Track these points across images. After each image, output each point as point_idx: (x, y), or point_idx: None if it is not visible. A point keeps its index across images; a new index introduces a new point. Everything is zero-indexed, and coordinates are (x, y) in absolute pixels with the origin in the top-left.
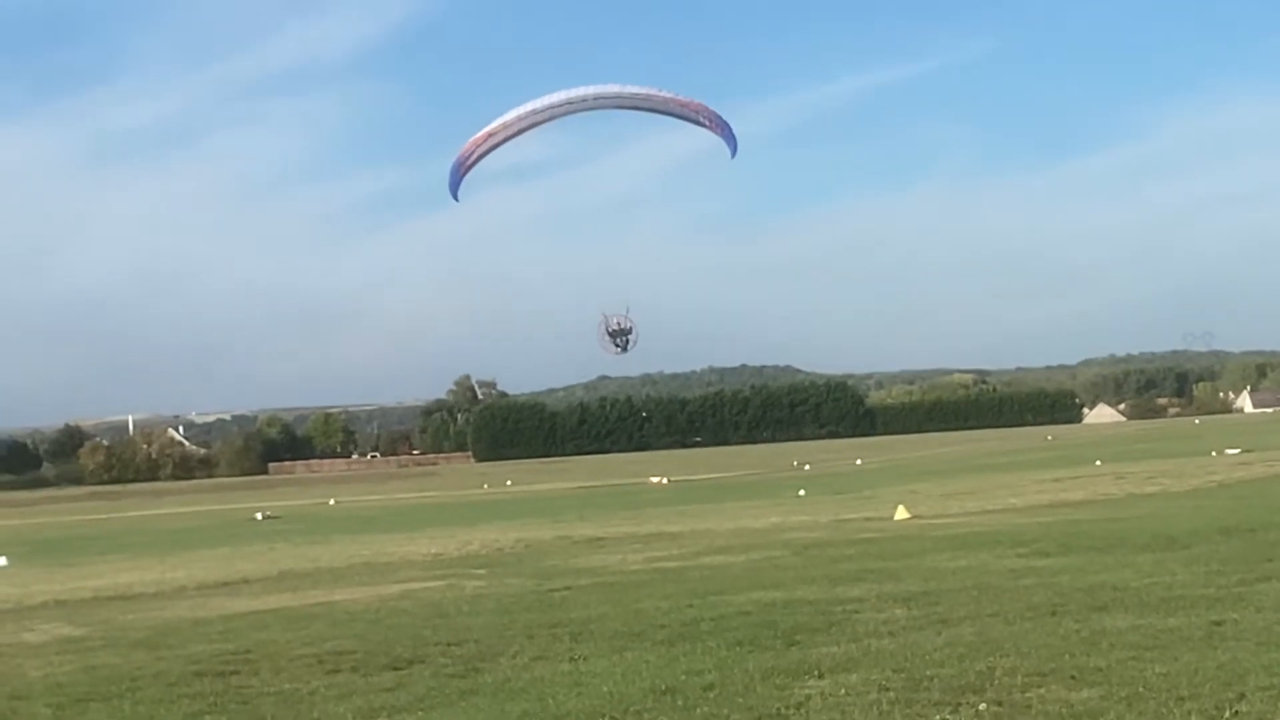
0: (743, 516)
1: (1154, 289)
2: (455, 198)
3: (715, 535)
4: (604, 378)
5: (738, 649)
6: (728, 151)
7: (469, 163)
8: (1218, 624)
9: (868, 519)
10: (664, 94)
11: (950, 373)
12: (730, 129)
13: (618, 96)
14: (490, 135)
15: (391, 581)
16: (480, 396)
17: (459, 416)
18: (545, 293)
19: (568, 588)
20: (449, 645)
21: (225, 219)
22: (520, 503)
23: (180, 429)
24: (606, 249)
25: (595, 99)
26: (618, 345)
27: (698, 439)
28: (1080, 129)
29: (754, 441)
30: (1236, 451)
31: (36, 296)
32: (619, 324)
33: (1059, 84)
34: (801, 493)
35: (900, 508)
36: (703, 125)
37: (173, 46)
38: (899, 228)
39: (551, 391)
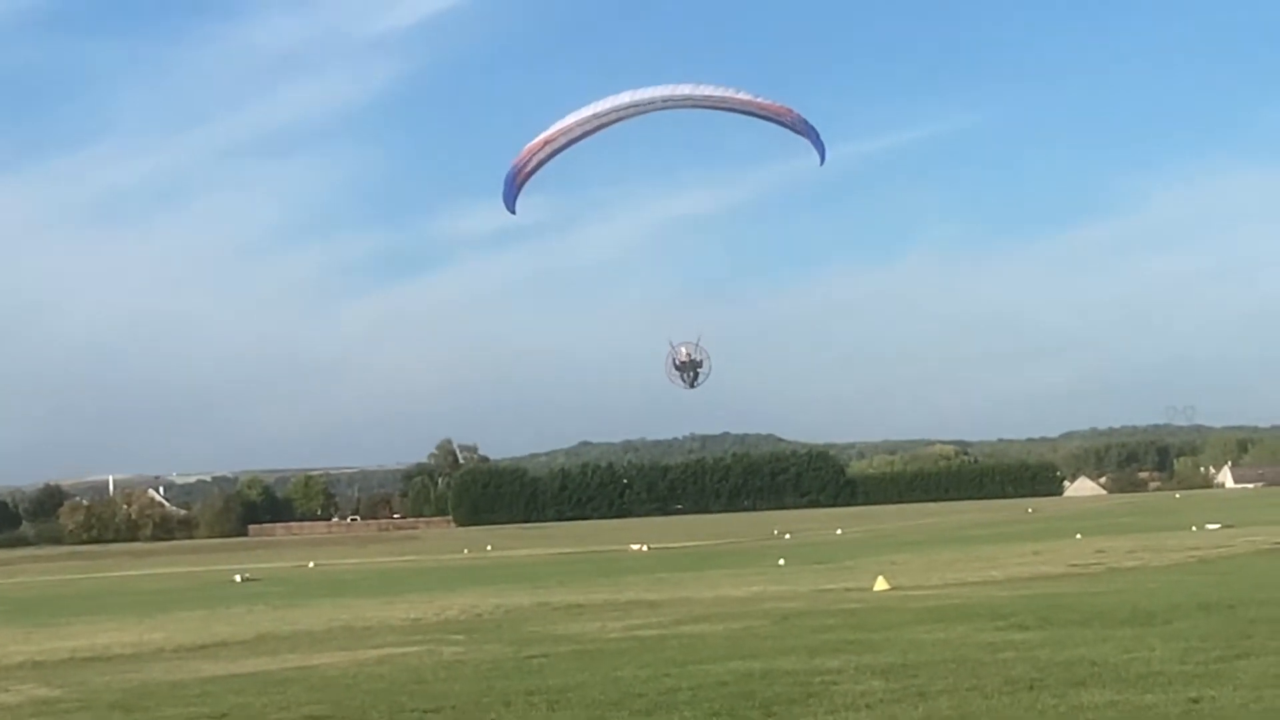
0: (722, 585)
1: (1137, 362)
2: (511, 210)
3: (695, 604)
4: (586, 443)
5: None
6: (816, 158)
7: (526, 170)
8: (1195, 701)
9: (847, 589)
10: (743, 95)
11: (932, 443)
12: (817, 134)
13: (689, 98)
14: (548, 142)
15: (369, 646)
16: (462, 461)
17: (440, 481)
18: (528, 357)
19: (546, 655)
20: (426, 712)
21: (209, 280)
22: (500, 568)
23: (161, 490)
24: (590, 314)
25: (665, 100)
26: (685, 379)
27: (679, 506)
28: (1067, 202)
29: (735, 510)
30: (1217, 527)
31: (18, 355)
32: (688, 355)
33: (1047, 156)
34: (781, 562)
35: (880, 578)
36: (786, 127)
37: (161, 107)
38: (884, 297)
39: (534, 457)
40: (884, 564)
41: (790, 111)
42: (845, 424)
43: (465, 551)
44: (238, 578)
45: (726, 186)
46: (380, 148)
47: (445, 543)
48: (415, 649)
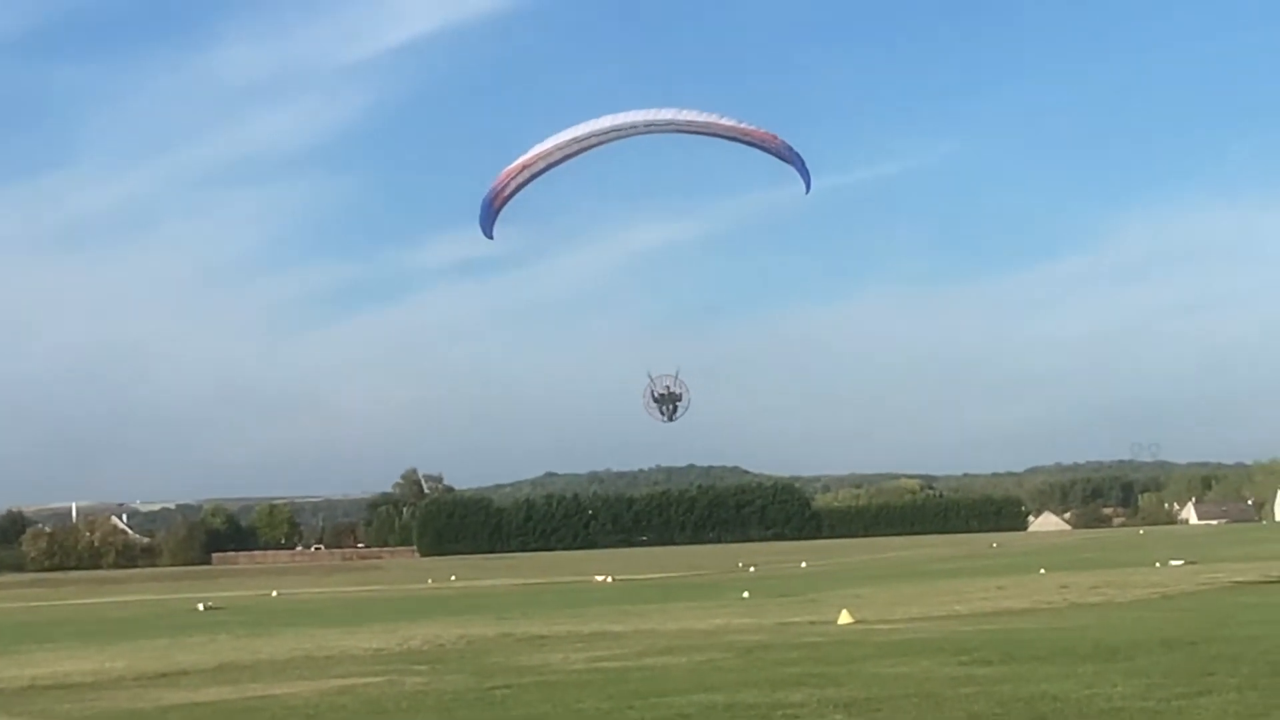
0: (686, 617)
1: (1102, 398)
2: (488, 235)
3: (658, 636)
4: (551, 474)
5: None
6: (801, 186)
7: (504, 195)
8: None
9: (811, 622)
10: (726, 120)
11: (897, 477)
12: (803, 161)
13: (671, 123)
14: (525, 167)
15: (332, 676)
16: (427, 490)
17: (405, 510)
18: (495, 389)
19: (509, 686)
20: None
21: (177, 307)
22: (464, 598)
23: (124, 517)
24: (556, 346)
25: (647, 125)
26: (664, 412)
27: (644, 538)
28: (1033, 237)
29: (700, 542)
30: (1180, 563)
31: None
32: (667, 388)
33: (1014, 192)
34: (746, 594)
35: (844, 612)
36: (771, 154)
37: (129, 134)
38: (851, 331)
39: (499, 487)
40: (848, 597)
41: (775, 138)
42: (811, 457)
43: (429, 581)
44: (200, 606)
45: (693, 219)
46: (349, 178)
47: (409, 572)
48: (377, 679)
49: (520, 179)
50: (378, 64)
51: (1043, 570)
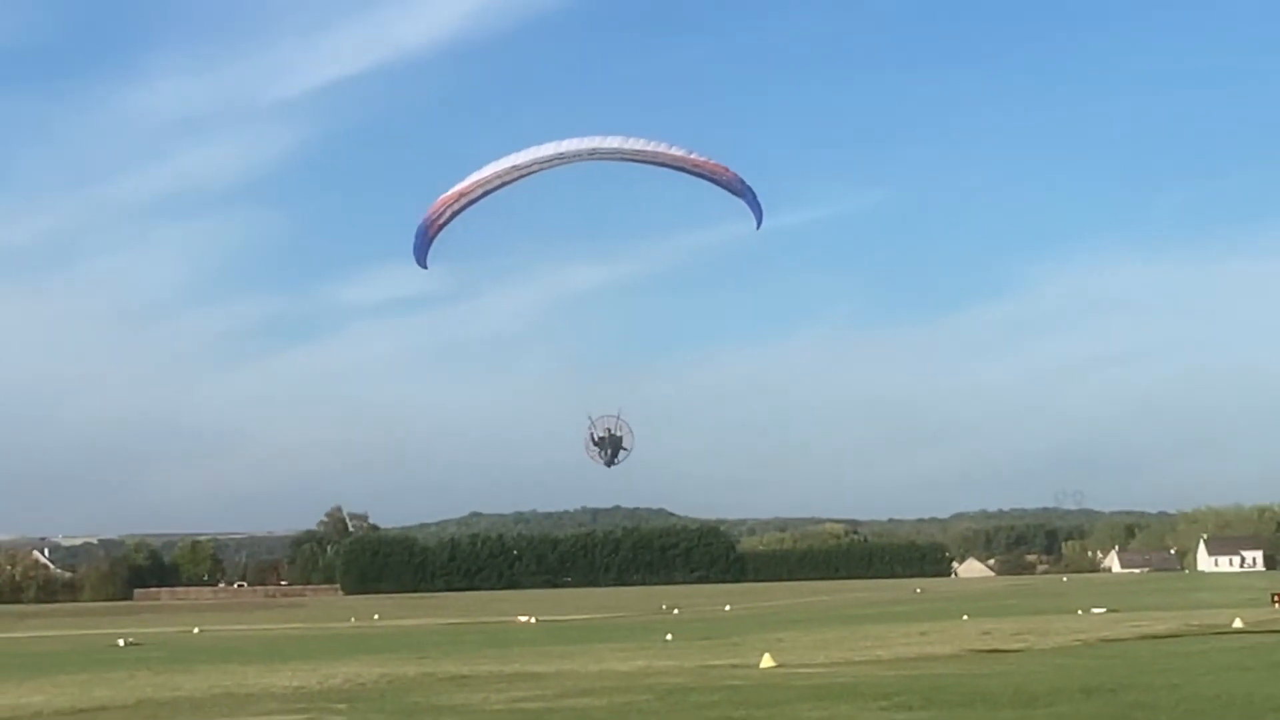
0: (609, 659)
1: (1027, 446)
2: (422, 264)
3: (580, 677)
4: (477, 514)
5: None
6: (753, 220)
7: (439, 224)
8: None
9: (734, 666)
10: (676, 150)
11: (822, 521)
12: (754, 195)
13: (618, 152)
14: (463, 194)
15: (251, 714)
16: (351, 528)
17: (329, 548)
18: (420, 427)
19: None
20: None
21: (102, 340)
22: (386, 637)
23: (46, 551)
24: (483, 385)
25: (592, 153)
26: (604, 456)
27: (568, 579)
28: (962, 285)
29: (624, 583)
30: (1102, 611)
31: None
32: (608, 430)
33: (943, 239)
34: (669, 637)
35: (766, 655)
36: (721, 187)
37: (57, 166)
38: (778, 375)
39: (424, 526)
40: (771, 641)
41: (727, 170)
42: (736, 500)
43: (352, 620)
44: (121, 641)
45: (624, 261)
46: (277, 213)
47: (332, 610)
48: (297, 717)
49: (456, 206)
50: (307, 101)
51: (966, 616)
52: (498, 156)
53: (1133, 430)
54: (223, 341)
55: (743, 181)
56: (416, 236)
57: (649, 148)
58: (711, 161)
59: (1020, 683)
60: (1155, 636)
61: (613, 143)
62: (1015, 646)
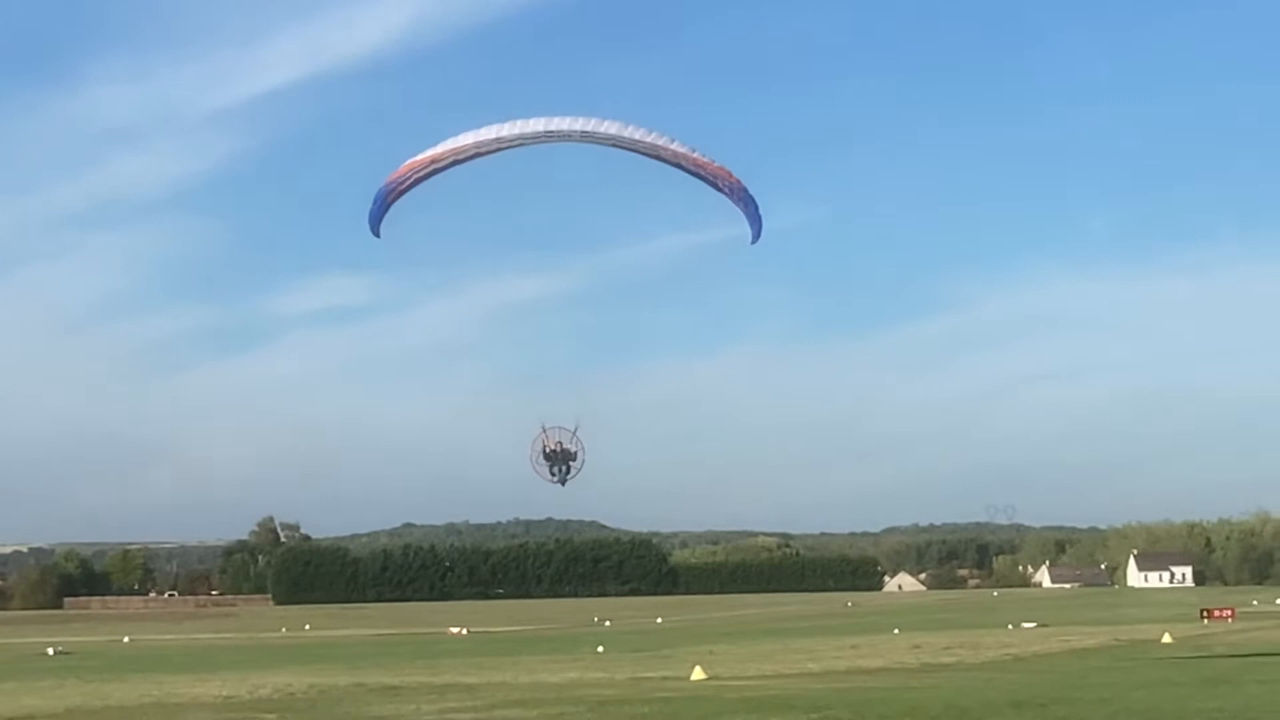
0: (540, 671)
1: (960, 461)
2: (375, 232)
3: (511, 688)
4: (409, 525)
5: None
6: (748, 234)
7: (401, 188)
8: None
9: (664, 678)
10: (678, 146)
11: (755, 535)
12: (756, 205)
13: (613, 139)
14: (434, 161)
15: None
16: (283, 539)
17: (260, 558)
18: (353, 437)
19: None
20: None
21: (34, 348)
22: (317, 647)
23: None
24: (417, 397)
25: (584, 135)
26: (554, 474)
27: (500, 591)
28: (897, 302)
29: (556, 595)
30: (1033, 625)
31: None
32: (559, 444)
33: (879, 255)
34: (600, 649)
35: (697, 668)
36: (719, 191)
37: None
38: (712, 388)
39: (355, 536)
40: (702, 653)
41: (730, 174)
42: (669, 513)
43: (283, 630)
44: (50, 650)
45: (559, 274)
46: (211, 223)
47: (263, 620)
48: None
49: (423, 173)
50: (243, 110)
51: (897, 630)
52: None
53: (1064, 446)
54: (157, 351)
55: (746, 190)
56: (375, 201)
57: (648, 139)
58: (714, 163)
59: (950, 697)
60: (1085, 651)
61: (609, 128)
62: (946, 661)
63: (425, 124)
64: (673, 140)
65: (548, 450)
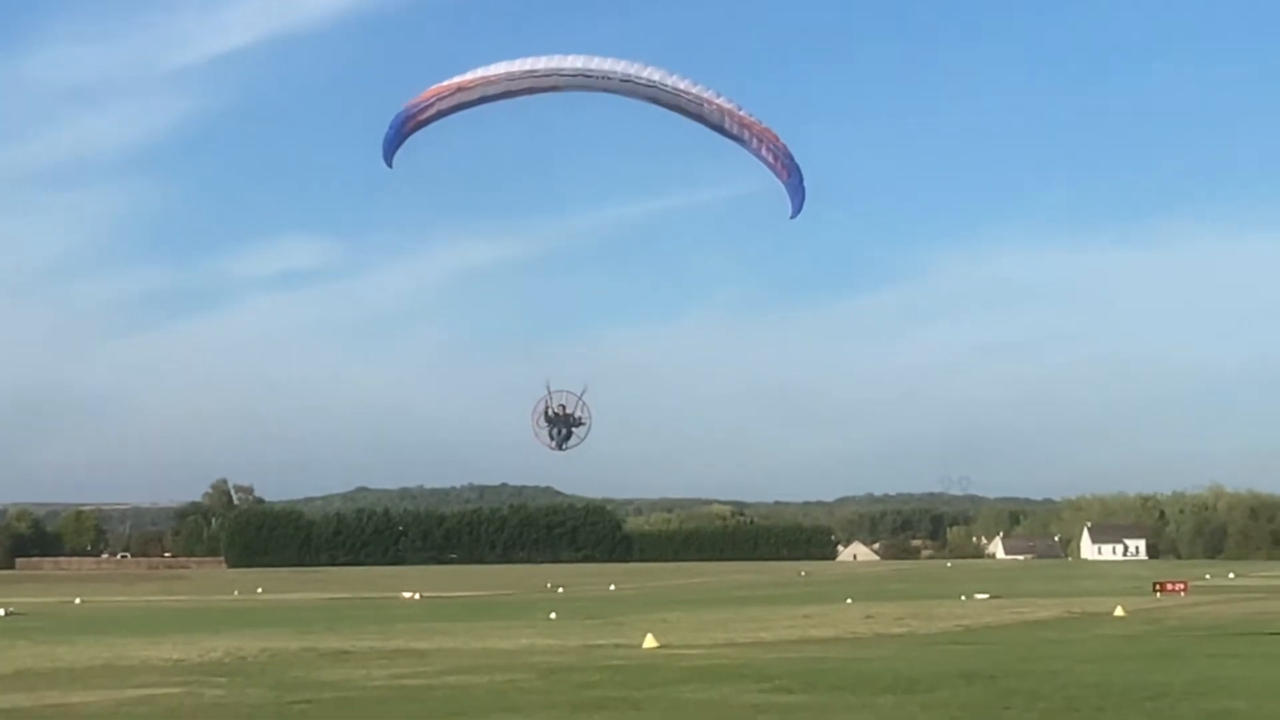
0: (492, 637)
1: (915, 431)
2: (388, 162)
3: (462, 654)
4: (363, 489)
5: None
6: (788, 207)
7: (421, 118)
8: None
9: (617, 645)
10: (724, 101)
11: (709, 503)
12: (801, 175)
13: (655, 86)
14: (461, 89)
15: (131, 686)
16: (236, 501)
17: (214, 520)
18: (308, 401)
19: (308, 701)
20: None
21: None
22: (269, 611)
23: None
24: (372, 360)
25: (624, 80)
26: (554, 437)
27: (453, 556)
28: (852, 271)
29: (510, 561)
30: (985, 597)
31: None
32: (562, 408)
33: (835, 224)
34: (553, 616)
35: (649, 636)
36: (760, 156)
37: None
38: (667, 356)
39: (309, 500)
40: (655, 622)
41: (776, 137)
42: (623, 480)
43: (235, 593)
44: (1, 611)
45: (515, 238)
46: (169, 184)
47: (216, 583)
48: (176, 690)
49: (447, 104)
50: (201, 71)
51: (849, 600)
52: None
53: (1019, 417)
54: (111, 311)
55: (791, 156)
56: (391, 128)
57: (692, 89)
58: (761, 123)
59: (901, 667)
60: (1037, 623)
61: (651, 74)
62: (898, 631)
63: (386, 86)
64: (718, 94)
65: (550, 413)
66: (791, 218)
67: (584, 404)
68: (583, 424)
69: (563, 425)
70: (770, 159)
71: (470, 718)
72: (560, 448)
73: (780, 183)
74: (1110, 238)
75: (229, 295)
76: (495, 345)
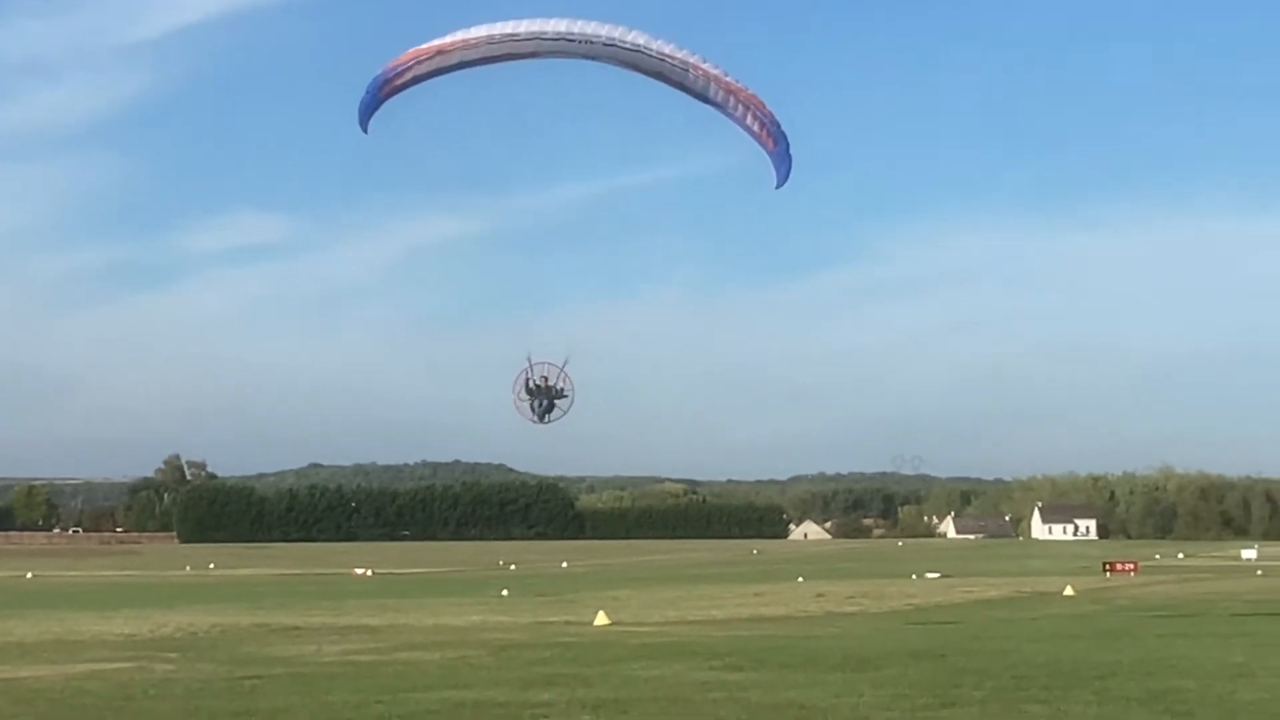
0: (444, 613)
1: (867, 411)
2: (364, 128)
3: (414, 631)
4: (316, 465)
5: None
6: (773, 177)
7: (398, 83)
8: None
9: (568, 623)
10: (708, 65)
11: (662, 481)
12: (787, 143)
13: (640, 50)
14: (440, 53)
15: (81, 660)
16: (189, 477)
17: (166, 496)
18: (262, 377)
19: (259, 676)
20: None
21: None
22: (221, 587)
23: None
24: (326, 337)
25: (608, 43)
26: (535, 409)
27: (406, 532)
28: (808, 251)
29: (462, 538)
30: (936, 576)
31: None
32: (544, 379)
33: (790, 204)
34: (505, 593)
35: (601, 613)
36: (744, 126)
37: None
38: (621, 335)
39: (262, 476)
40: (606, 599)
41: (762, 104)
42: (576, 458)
43: (188, 568)
44: None
45: (470, 216)
46: (123, 159)
47: (168, 559)
48: (127, 665)
49: (424, 68)
50: (158, 45)
51: (801, 579)
52: (351, 104)
53: (972, 398)
54: (66, 286)
55: (778, 124)
56: (367, 92)
57: (678, 55)
58: (747, 89)
59: (851, 646)
60: (987, 602)
61: (636, 38)
62: (849, 610)
63: (343, 60)
64: (704, 60)
65: (531, 385)
66: (777, 188)
67: (566, 375)
68: (565, 395)
69: (544, 397)
70: (755, 127)
71: (421, 694)
72: (542, 420)
73: (765, 152)
74: (1066, 221)
75: (184, 270)
76: (450, 323)
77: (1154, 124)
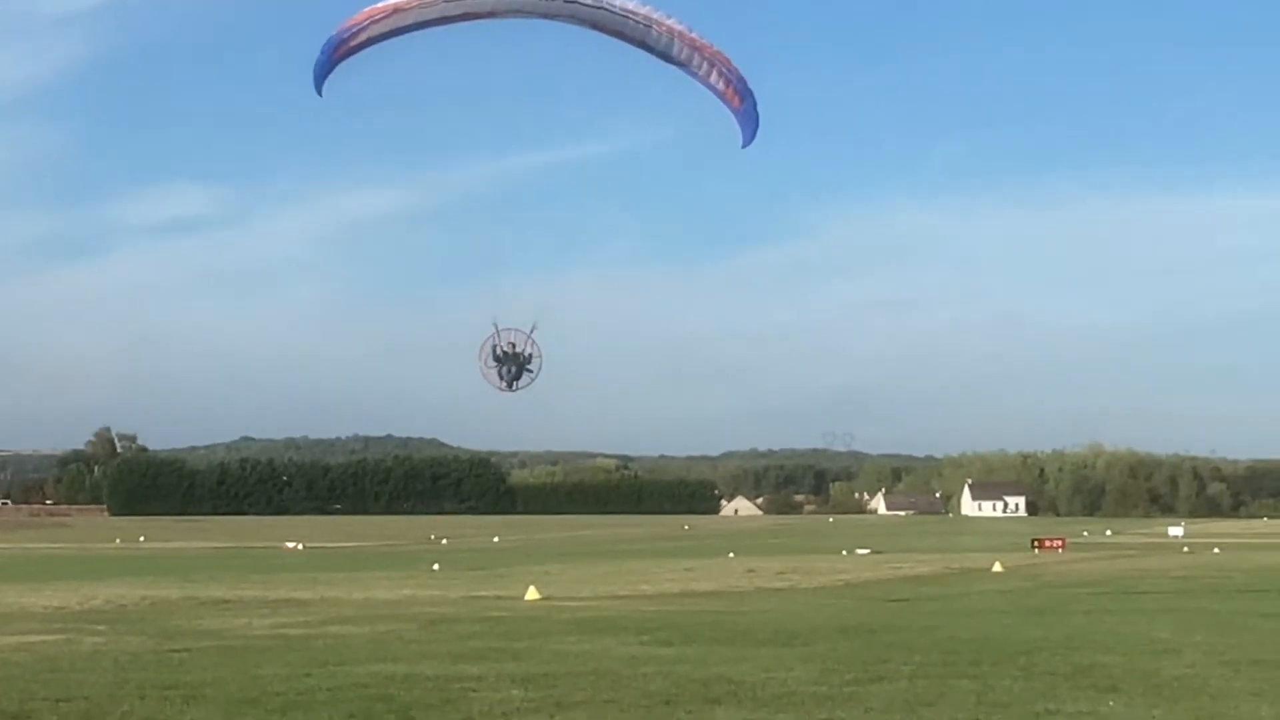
0: (374, 587)
1: (799, 387)
2: (318, 90)
3: (344, 604)
4: (247, 438)
5: None
6: (739, 136)
7: (351, 44)
8: None
9: (498, 597)
10: (671, 21)
11: (594, 456)
12: (754, 100)
13: (599, 7)
14: (398, 10)
15: (6, 633)
16: (120, 449)
17: (96, 469)
18: (192, 349)
19: (188, 649)
20: (58, 702)
21: None
22: (151, 560)
23: None
24: (258, 310)
25: (567, 2)
26: (503, 376)
27: (337, 506)
28: (739, 227)
29: (394, 512)
30: (866, 552)
31: None
32: (512, 345)
33: (723, 180)
34: (436, 567)
35: (531, 588)
36: (708, 84)
37: None
38: (555, 309)
39: (193, 449)
40: (537, 574)
41: (728, 60)
42: (508, 432)
43: (117, 541)
44: None
45: (403, 189)
46: (54, 129)
47: (97, 531)
48: (54, 637)
49: (381, 28)
50: (91, 14)
51: (732, 554)
52: (295, 79)
53: (903, 375)
54: None
55: (744, 81)
56: (322, 52)
57: (641, 10)
58: (712, 46)
59: (780, 621)
60: (917, 578)
61: None
62: (779, 585)
63: (278, 35)
64: (668, 15)
65: (499, 351)
66: (743, 147)
67: (533, 341)
68: (533, 360)
69: (513, 364)
70: (721, 85)
71: (351, 667)
72: (510, 387)
73: (730, 111)
74: (996, 198)
75: (115, 241)
76: (384, 296)
77: (1082, 102)
